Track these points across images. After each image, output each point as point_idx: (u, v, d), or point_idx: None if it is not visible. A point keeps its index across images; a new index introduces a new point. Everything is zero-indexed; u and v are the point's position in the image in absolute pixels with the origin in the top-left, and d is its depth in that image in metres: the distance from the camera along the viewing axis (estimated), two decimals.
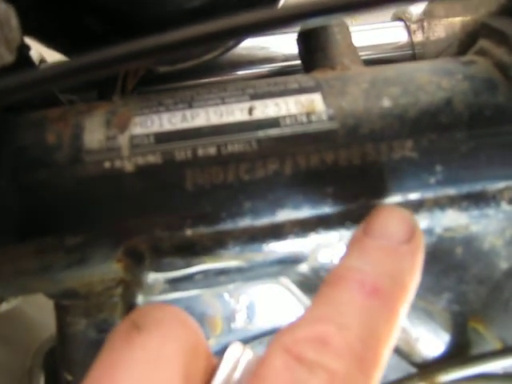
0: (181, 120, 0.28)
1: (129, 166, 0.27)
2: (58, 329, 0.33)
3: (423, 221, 0.30)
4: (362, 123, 0.29)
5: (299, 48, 0.37)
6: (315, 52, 0.35)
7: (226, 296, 0.32)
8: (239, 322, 0.33)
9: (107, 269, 0.29)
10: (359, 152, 0.28)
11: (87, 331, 0.32)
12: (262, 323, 0.33)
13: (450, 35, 0.39)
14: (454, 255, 0.31)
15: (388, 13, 0.48)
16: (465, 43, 0.36)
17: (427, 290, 0.31)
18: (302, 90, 0.30)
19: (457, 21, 0.38)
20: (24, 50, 0.32)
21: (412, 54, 0.45)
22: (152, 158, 0.28)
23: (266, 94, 0.29)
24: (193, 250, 0.28)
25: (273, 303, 0.33)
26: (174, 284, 0.30)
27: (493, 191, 0.30)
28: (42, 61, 0.45)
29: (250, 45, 0.46)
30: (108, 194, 0.27)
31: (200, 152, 0.28)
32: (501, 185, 0.30)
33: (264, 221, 0.28)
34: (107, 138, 0.28)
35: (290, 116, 0.29)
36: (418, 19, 0.44)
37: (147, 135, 0.28)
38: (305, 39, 0.37)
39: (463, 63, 0.31)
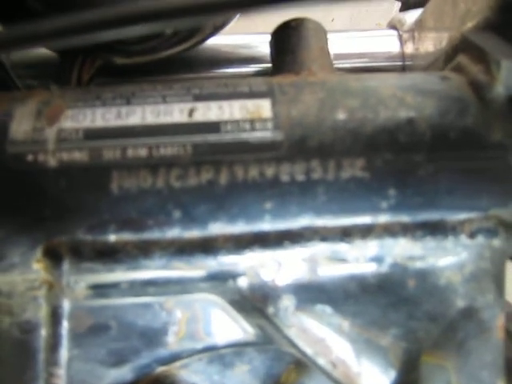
0: (115, 117, 0.26)
1: (52, 162, 0.25)
2: None
3: (372, 248, 0.27)
4: (310, 135, 0.26)
5: (270, 49, 0.35)
6: (285, 54, 0.33)
7: (157, 308, 0.30)
8: (171, 337, 0.31)
9: (26, 268, 0.27)
10: (304, 167, 0.26)
11: (11, 330, 0.30)
12: (197, 339, 0.31)
13: (437, 49, 0.36)
14: (405, 288, 0.28)
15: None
16: (451, 58, 0.34)
17: (372, 322, 0.28)
18: (251, 95, 0.27)
19: (445, 34, 0.35)
20: None
21: (402, 65, 0.42)
22: (78, 155, 0.26)
23: (212, 96, 0.27)
24: (115, 257, 0.26)
25: (208, 319, 0.30)
26: (98, 290, 0.28)
27: (452, 222, 0.27)
28: None
29: (235, 43, 0.43)
30: (28, 189, 0.25)
31: (129, 153, 0.26)
32: (461, 216, 0.27)
33: (194, 233, 0.26)
34: (34, 129, 0.26)
35: (232, 122, 0.26)
36: (410, 29, 0.41)
37: (76, 130, 0.26)
38: (276, 40, 0.34)
39: (435, 79, 0.29)
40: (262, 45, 0.44)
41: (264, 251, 0.27)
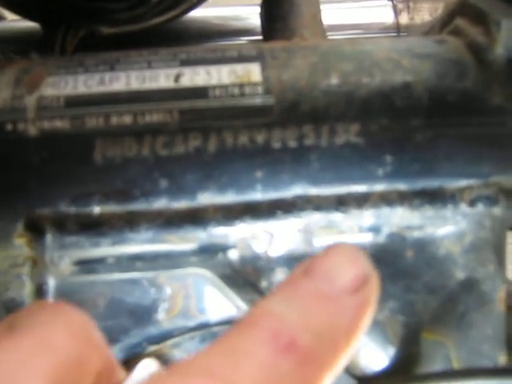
0: (97, 83, 0.25)
1: (32, 130, 0.24)
2: None
3: (368, 218, 0.26)
4: (302, 100, 0.25)
5: (261, 17, 0.34)
6: (276, 21, 0.32)
7: (146, 284, 0.29)
8: (161, 314, 0.29)
9: (7, 243, 0.26)
10: (296, 133, 0.25)
11: None
12: (189, 316, 0.30)
13: (433, 17, 0.35)
14: (403, 259, 0.27)
15: None
16: (447, 23, 0.32)
17: None
18: (240, 59, 0.26)
19: (441, 3, 0.34)
20: None
21: (397, 36, 0.41)
22: (59, 123, 0.24)
23: (199, 61, 0.26)
24: (100, 231, 0.25)
25: (200, 294, 0.29)
26: (84, 266, 0.27)
27: (451, 190, 0.26)
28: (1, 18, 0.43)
29: (225, 14, 0.42)
30: (7, 159, 0.24)
31: (113, 120, 0.24)
32: (461, 183, 0.26)
33: (182, 203, 0.25)
34: (13, 97, 0.25)
35: (221, 86, 0.25)
36: None
37: (57, 97, 0.25)
38: (267, 7, 0.33)
39: (432, 42, 0.27)
40: (253, 16, 0.43)
41: (256, 222, 0.25)
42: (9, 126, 0.24)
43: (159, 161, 0.24)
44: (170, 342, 0.31)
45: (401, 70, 0.26)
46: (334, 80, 0.25)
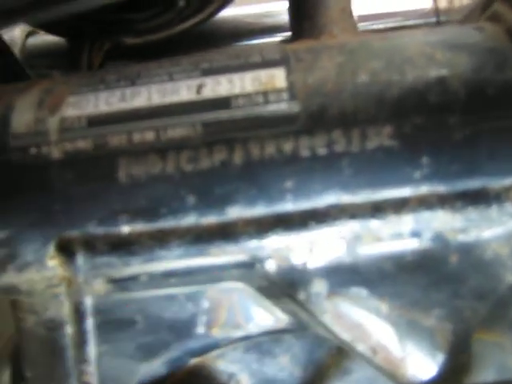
0: (118, 100, 0.25)
1: (56, 153, 0.24)
2: (15, 323, 0.31)
3: (407, 223, 0.24)
4: (330, 104, 0.24)
5: (289, 13, 0.32)
6: (303, 19, 0.30)
7: (182, 299, 0.28)
8: (201, 328, 0.29)
9: (42, 266, 0.26)
10: (325, 139, 0.23)
11: (36, 329, 0.29)
12: (228, 329, 0.29)
13: (473, 0, 0.33)
14: (447, 265, 0.25)
15: None
16: (486, 7, 0.30)
17: (413, 303, 0.26)
18: (264, 64, 0.25)
19: None
20: None
21: (436, 22, 0.39)
22: (82, 144, 0.24)
23: (221, 69, 0.25)
24: (130, 250, 0.25)
25: (238, 307, 0.29)
26: (118, 285, 0.27)
27: (496, 190, 0.24)
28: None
29: (256, 12, 0.41)
30: (34, 184, 0.24)
31: (136, 137, 0.24)
32: (506, 182, 0.24)
33: (212, 219, 0.24)
34: (36, 120, 0.25)
35: (244, 95, 0.24)
36: None
37: (79, 117, 0.24)
38: (293, 3, 0.32)
39: (468, 31, 0.26)
40: (285, 12, 0.41)
41: (288, 233, 0.24)
42: (33, 150, 0.24)
43: (185, 177, 0.24)
44: (213, 354, 0.31)
45: (435, 65, 0.24)
46: (363, 80, 0.24)
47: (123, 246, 0.25)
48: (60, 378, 0.29)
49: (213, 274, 0.26)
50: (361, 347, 0.27)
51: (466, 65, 0.24)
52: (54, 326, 0.29)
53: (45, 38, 0.42)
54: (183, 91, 0.24)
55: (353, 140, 0.23)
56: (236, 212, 0.24)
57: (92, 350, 0.29)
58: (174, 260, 0.25)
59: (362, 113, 0.23)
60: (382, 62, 0.24)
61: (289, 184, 0.24)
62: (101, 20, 0.30)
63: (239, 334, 0.29)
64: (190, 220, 0.24)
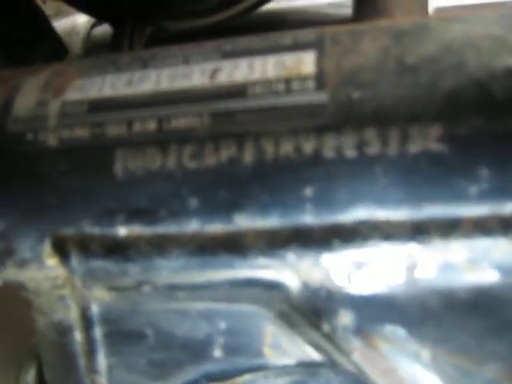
0: (124, 84, 0.22)
1: (52, 140, 0.21)
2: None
3: (457, 251, 0.19)
4: (365, 96, 0.19)
5: (352, 2, 0.28)
6: (364, 2, 0.26)
7: (195, 316, 0.25)
8: (218, 351, 0.25)
9: (41, 264, 0.23)
10: (355, 139, 0.19)
11: (47, 331, 0.27)
12: (248, 355, 0.25)
13: None
14: (509, 307, 0.20)
15: None
16: None
17: (464, 351, 0.21)
18: (293, 47, 0.21)
19: None
20: None
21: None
22: (80, 132, 0.21)
23: (243, 52, 0.21)
24: (126, 255, 0.22)
25: (257, 333, 0.25)
26: (123, 293, 0.24)
27: None
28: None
29: (321, 2, 0.36)
30: (28, 173, 0.22)
31: (136, 127, 0.21)
32: None
33: (217, 227, 0.20)
34: (38, 103, 0.22)
35: (263, 82, 0.20)
36: None
37: (81, 102, 0.22)
38: None
39: None
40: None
41: (307, 252, 0.20)
42: (30, 136, 0.22)
43: (187, 175, 0.20)
44: (240, 380, 0.27)
45: (505, 51, 0.19)
46: (410, 67, 0.19)
47: (120, 251, 0.22)
48: None
49: (221, 292, 0.22)
50: None
51: None
52: (63, 330, 0.26)
53: (109, 29, 0.40)
54: (196, 76, 0.21)
55: (390, 141, 0.19)
56: (245, 221, 0.20)
57: (102, 360, 0.26)
58: (175, 271, 0.22)
59: (403, 108, 0.19)
60: (435, 46, 0.19)
61: (308, 191, 0.19)
62: (142, 3, 0.27)
63: (258, 363, 0.25)
64: (192, 226, 0.21)
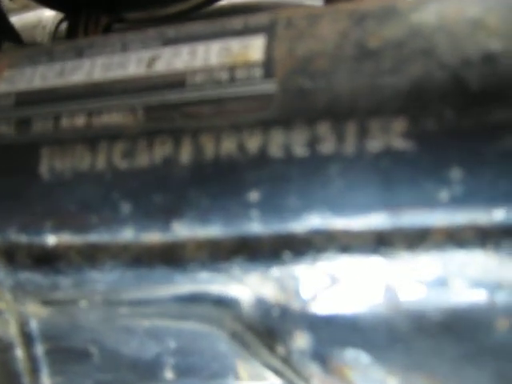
0: (55, 75, 0.19)
1: None
2: None
3: (427, 266, 0.17)
4: (318, 86, 0.17)
5: None
6: None
7: (142, 334, 0.22)
8: (169, 373, 0.23)
9: None
10: (307, 135, 0.16)
11: None
12: (200, 378, 0.23)
13: None
14: (490, 332, 0.17)
15: None
16: None
17: (437, 381, 0.18)
18: (242, 32, 0.18)
19: None
20: None
21: None
22: (4, 128, 0.19)
23: (186, 38, 0.19)
24: (56, 267, 0.19)
25: (212, 355, 0.22)
26: (60, 308, 0.21)
27: None
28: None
29: None
30: None
31: (63, 122, 0.18)
32: None
33: (154, 236, 0.18)
34: None
35: (205, 71, 0.18)
36: None
37: (8, 95, 0.19)
38: None
39: None
40: None
41: (254, 265, 0.18)
42: None
43: (118, 176, 0.18)
44: None
45: (482, 34, 0.16)
46: (371, 52, 0.17)
47: (49, 262, 0.19)
48: None
49: (167, 309, 0.20)
50: None
51: None
52: (4, 347, 0.24)
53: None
54: (131, 65, 0.19)
55: (347, 138, 0.16)
56: (184, 229, 0.18)
57: (46, 380, 0.24)
58: (110, 285, 0.19)
59: (363, 99, 0.16)
60: (401, 29, 0.17)
61: (254, 196, 0.17)
62: None
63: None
64: (126, 235, 0.18)
